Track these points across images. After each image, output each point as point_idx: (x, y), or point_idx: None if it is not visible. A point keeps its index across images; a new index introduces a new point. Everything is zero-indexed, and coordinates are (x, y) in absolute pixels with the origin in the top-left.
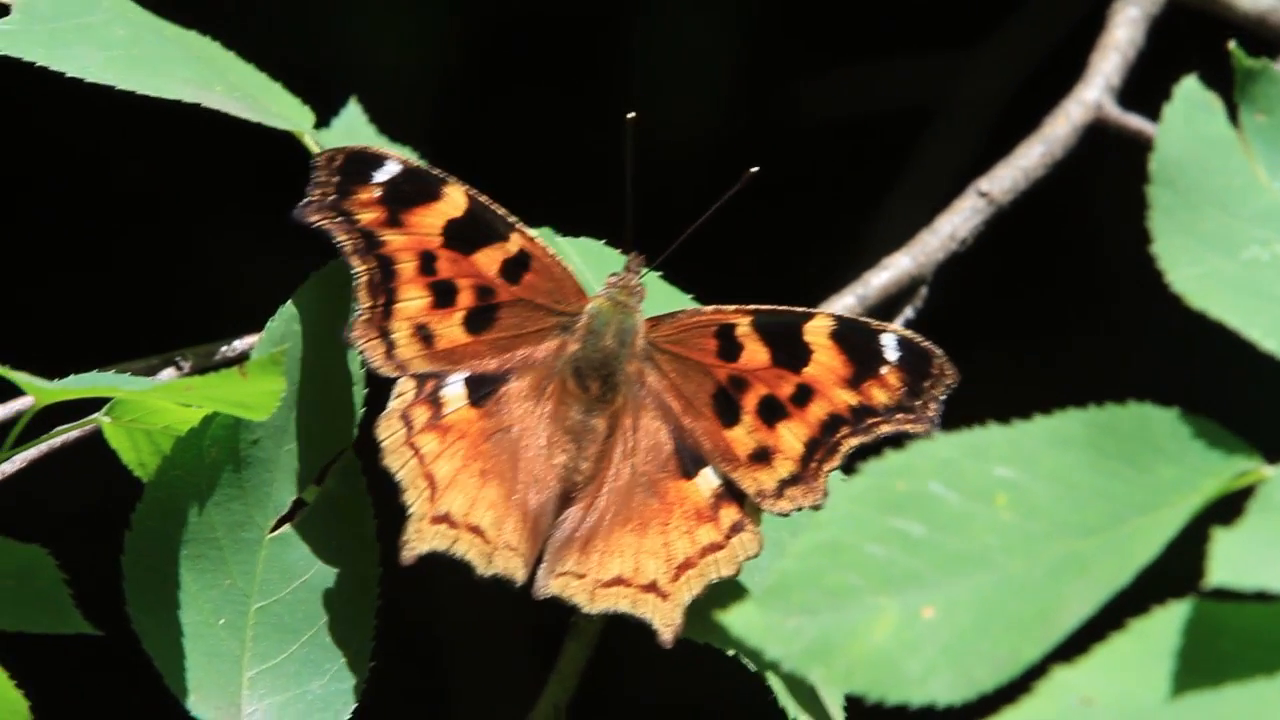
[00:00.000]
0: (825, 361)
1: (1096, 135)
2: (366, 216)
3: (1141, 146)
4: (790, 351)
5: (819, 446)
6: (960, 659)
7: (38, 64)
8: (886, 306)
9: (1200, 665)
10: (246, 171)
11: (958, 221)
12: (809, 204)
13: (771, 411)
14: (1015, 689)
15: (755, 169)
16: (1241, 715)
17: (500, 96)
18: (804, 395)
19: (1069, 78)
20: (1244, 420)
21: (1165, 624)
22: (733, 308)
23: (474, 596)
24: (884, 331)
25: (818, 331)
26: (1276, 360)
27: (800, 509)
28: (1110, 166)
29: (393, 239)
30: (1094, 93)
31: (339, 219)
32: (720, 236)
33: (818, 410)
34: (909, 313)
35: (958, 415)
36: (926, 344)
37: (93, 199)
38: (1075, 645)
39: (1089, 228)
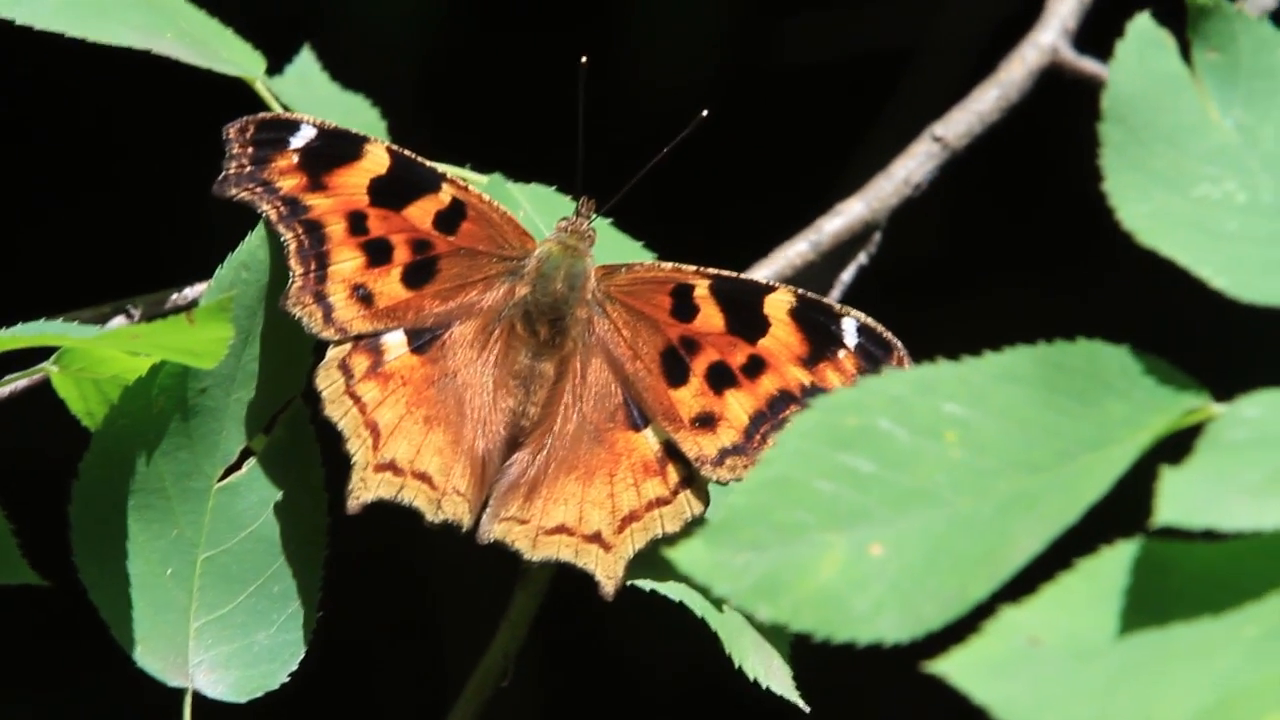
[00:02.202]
0: (782, 336)
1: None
2: (287, 184)
3: (1097, 90)
4: (747, 321)
5: (765, 420)
6: (908, 596)
7: None
8: (840, 252)
9: (1148, 604)
10: (210, 116)
11: (912, 166)
12: (787, 147)
13: (720, 378)
14: (963, 628)
15: (705, 113)
16: (1189, 654)
17: (491, 38)
18: (756, 367)
19: None
20: (1203, 356)
21: (1113, 563)
22: (692, 269)
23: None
24: (845, 315)
25: (777, 305)
26: (1225, 297)
27: (739, 480)
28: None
29: (317, 203)
30: (1049, 36)
31: (259, 189)
32: (693, 179)
33: (768, 384)
34: (862, 258)
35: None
36: (888, 334)
37: (54, 144)
38: (1024, 584)
39: (1064, 170)
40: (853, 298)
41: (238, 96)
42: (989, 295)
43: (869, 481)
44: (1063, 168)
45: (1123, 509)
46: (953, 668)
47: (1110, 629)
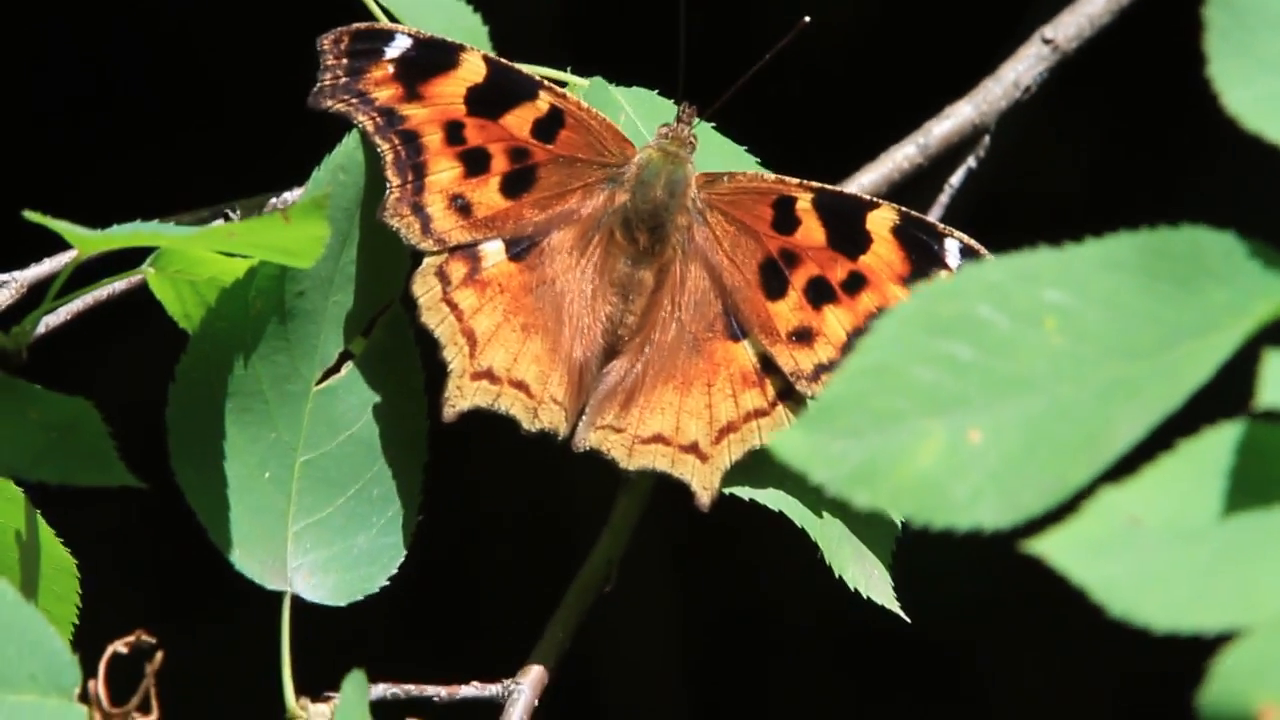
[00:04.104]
0: (883, 254)
1: None
2: (383, 94)
3: None
4: (849, 237)
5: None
6: (1007, 483)
7: None
8: (949, 155)
9: (1250, 486)
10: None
11: (1021, 69)
12: (907, 55)
13: (820, 293)
14: (1062, 514)
15: (806, 19)
16: None
17: None
18: (856, 283)
19: None
20: None
21: (1215, 445)
22: (796, 181)
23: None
24: (949, 236)
25: (880, 222)
26: None
27: None
28: None
29: (414, 113)
30: None
31: (355, 100)
32: (808, 86)
33: (867, 301)
34: (971, 162)
35: None
36: (991, 257)
37: (171, 69)
38: (1125, 470)
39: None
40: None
41: (336, 4)
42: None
43: (968, 368)
44: (1180, 72)
45: (1226, 396)
46: (1051, 548)
47: (1212, 510)
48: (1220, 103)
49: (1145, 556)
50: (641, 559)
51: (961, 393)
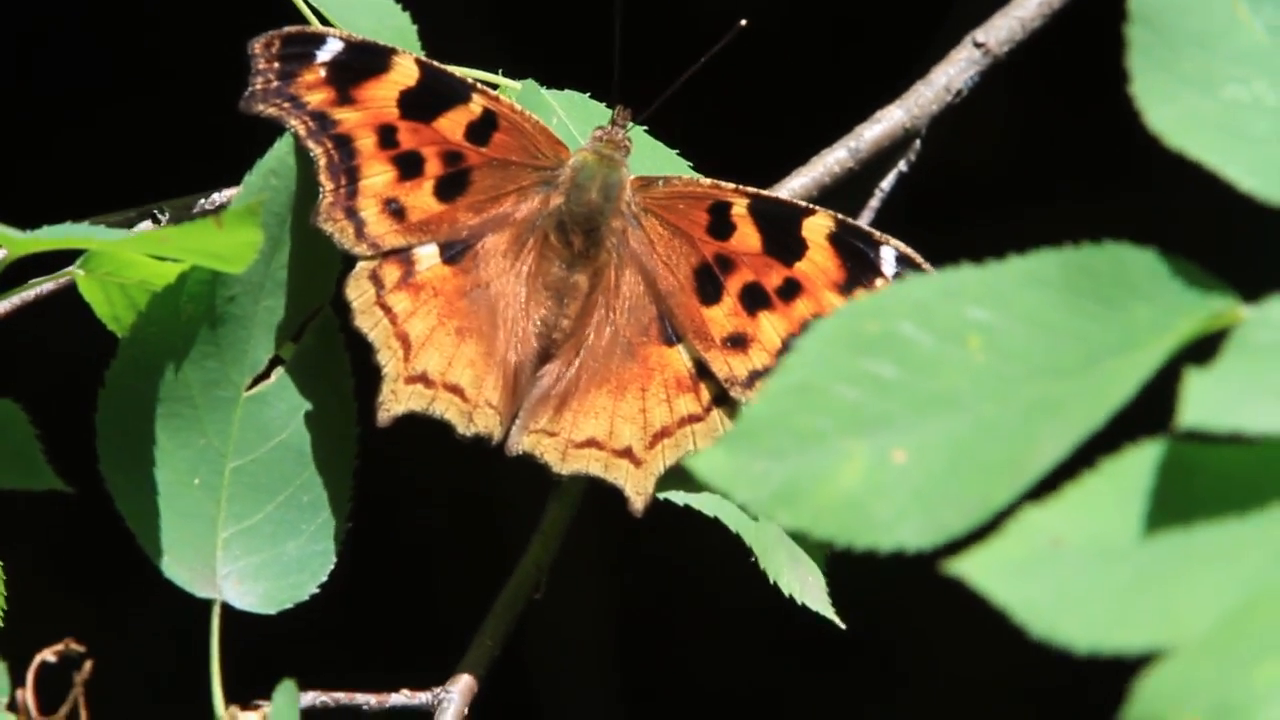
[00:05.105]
0: (819, 261)
1: None
2: (315, 98)
3: None
4: (784, 243)
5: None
6: (930, 503)
7: None
8: (879, 159)
9: (1172, 505)
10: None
11: (953, 73)
12: (840, 59)
13: (755, 299)
14: (985, 533)
15: (743, 23)
16: (1213, 554)
17: None
18: (791, 290)
19: None
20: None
21: (1137, 464)
22: (731, 186)
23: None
24: (885, 243)
25: (816, 229)
26: (1255, 200)
27: None
28: None
29: (346, 117)
30: None
31: (286, 104)
32: (743, 89)
33: (802, 308)
34: (902, 165)
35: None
36: (926, 265)
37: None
38: (1048, 488)
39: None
40: (894, 215)
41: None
42: (1034, 209)
43: (891, 387)
44: (1112, 75)
45: (1150, 416)
46: (972, 568)
47: (1134, 530)
48: (1142, 120)
49: (1066, 577)
50: (576, 548)
51: (885, 412)
